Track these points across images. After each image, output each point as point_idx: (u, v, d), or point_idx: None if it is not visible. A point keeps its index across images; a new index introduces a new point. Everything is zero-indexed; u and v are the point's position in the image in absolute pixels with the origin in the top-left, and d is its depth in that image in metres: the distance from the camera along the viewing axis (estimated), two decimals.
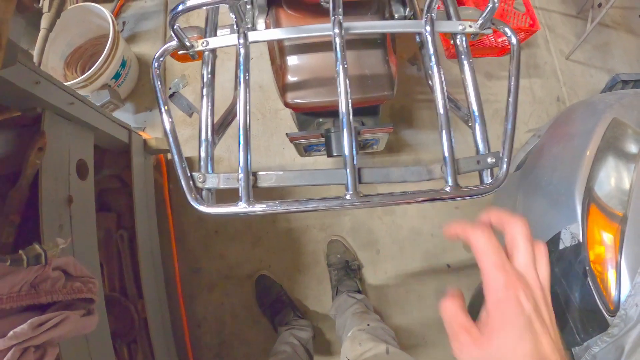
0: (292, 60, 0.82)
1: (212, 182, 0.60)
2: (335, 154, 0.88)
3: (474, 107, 0.65)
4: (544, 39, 2.05)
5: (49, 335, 0.44)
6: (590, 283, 0.89)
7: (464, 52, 0.68)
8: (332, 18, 0.63)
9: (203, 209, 0.58)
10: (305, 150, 1.06)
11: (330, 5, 0.63)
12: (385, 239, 1.60)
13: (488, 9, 0.64)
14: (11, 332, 0.41)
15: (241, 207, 0.57)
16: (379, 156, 1.66)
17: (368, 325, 1.05)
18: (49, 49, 1.34)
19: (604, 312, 0.85)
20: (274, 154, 1.63)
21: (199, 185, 0.60)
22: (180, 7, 0.57)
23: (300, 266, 1.56)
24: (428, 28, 0.66)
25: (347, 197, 0.57)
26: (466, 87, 0.67)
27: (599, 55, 2.09)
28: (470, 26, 0.68)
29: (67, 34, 1.48)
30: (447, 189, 0.59)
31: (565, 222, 0.98)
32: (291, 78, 0.82)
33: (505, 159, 0.61)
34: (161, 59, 0.66)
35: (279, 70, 0.85)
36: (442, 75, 0.64)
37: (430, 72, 0.65)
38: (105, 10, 1.38)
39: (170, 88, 1.69)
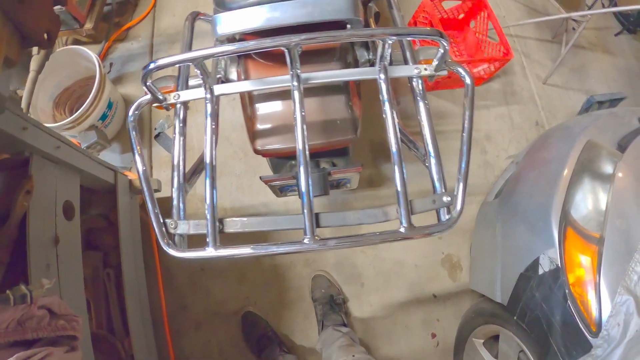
0: (260, 108, 0.89)
1: (183, 228, 0.67)
2: (315, 194, 0.92)
3: (430, 147, 0.72)
4: (520, 66, 2.17)
5: None
6: (570, 306, 0.92)
7: (420, 94, 0.75)
8: (290, 71, 0.69)
9: (174, 253, 0.64)
10: (281, 191, 1.12)
11: (288, 60, 0.69)
12: (369, 271, 1.64)
13: (439, 54, 0.70)
14: None
15: (208, 252, 0.63)
16: (360, 191, 1.71)
17: (354, 356, 1.08)
18: (38, 89, 1.40)
19: (586, 334, 0.88)
20: (256, 192, 1.68)
21: (171, 231, 0.66)
22: (151, 66, 0.65)
23: (286, 302, 1.58)
24: (382, 75, 0.72)
25: (305, 241, 0.62)
26: (422, 128, 0.73)
27: (576, 78, 2.21)
28: (425, 69, 0.75)
29: (56, 75, 1.56)
30: (402, 229, 0.64)
31: (544, 247, 1.02)
32: (259, 126, 0.89)
33: (460, 198, 0.66)
34: (136, 112, 0.74)
35: (249, 118, 0.92)
36: (395, 119, 0.70)
37: (384, 115, 0.71)
38: (92, 54, 1.47)
39: (155, 129, 1.76)
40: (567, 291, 0.94)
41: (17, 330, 0.50)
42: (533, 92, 2.11)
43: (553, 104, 2.10)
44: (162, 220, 0.66)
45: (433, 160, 0.71)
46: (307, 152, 0.66)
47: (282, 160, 1.11)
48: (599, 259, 0.91)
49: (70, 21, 1.53)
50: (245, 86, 0.76)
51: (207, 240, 0.64)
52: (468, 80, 0.74)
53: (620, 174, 0.98)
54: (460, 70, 0.75)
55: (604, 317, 0.86)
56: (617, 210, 0.94)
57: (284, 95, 0.88)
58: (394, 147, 0.68)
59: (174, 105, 0.76)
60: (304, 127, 0.66)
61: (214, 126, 0.71)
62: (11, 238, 0.79)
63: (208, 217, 0.65)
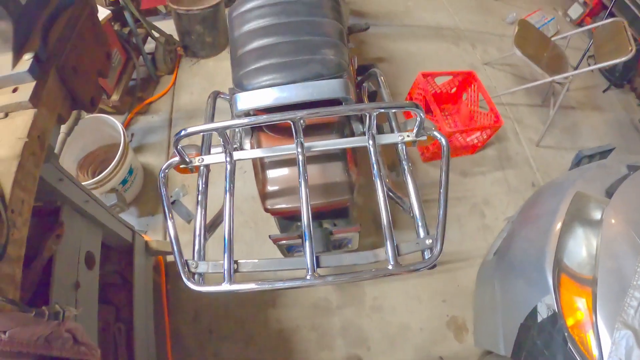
0: (269, 173, 1.03)
1: (203, 267, 0.78)
2: (317, 251, 1.02)
3: (414, 200, 0.83)
4: (514, 132, 2.34)
5: None
6: (571, 348, 0.94)
7: (404, 158, 0.88)
8: (295, 140, 0.84)
9: (194, 287, 0.75)
10: (288, 251, 1.21)
11: (294, 131, 0.83)
12: (375, 335, 1.64)
13: (417, 122, 0.84)
14: None
15: (224, 287, 0.74)
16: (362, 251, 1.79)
17: None
18: (65, 150, 1.55)
19: None
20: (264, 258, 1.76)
21: (192, 270, 0.77)
22: (183, 133, 0.80)
23: None
24: (371, 142, 0.85)
25: (307, 277, 0.73)
26: (407, 185, 0.85)
27: (568, 137, 2.36)
28: (408, 136, 0.89)
29: (82, 139, 1.73)
30: (389, 267, 0.74)
31: (540, 295, 1.06)
32: (269, 188, 1.02)
33: (439, 240, 0.76)
34: (166, 171, 0.89)
35: (260, 181, 1.05)
36: (384, 180, 0.82)
37: (373, 177, 0.83)
38: (117, 122, 1.65)
39: (171, 196, 1.89)
40: (566, 334, 0.97)
41: (44, 346, 0.56)
42: (527, 155, 2.25)
43: (547, 164, 2.22)
44: (184, 260, 0.77)
45: (417, 211, 0.81)
46: (310, 208, 0.77)
47: (289, 222, 1.21)
48: (594, 299, 0.94)
49: None
50: (259, 153, 0.92)
51: (224, 277, 0.74)
52: (443, 142, 0.86)
53: (608, 218, 1.05)
54: (436, 133, 0.88)
55: (605, 355, 0.88)
56: (607, 251, 0.99)
57: (289, 162, 1.01)
58: (381, 199, 0.79)
59: (197, 168, 0.91)
60: (307, 187, 0.78)
61: (232, 186, 0.84)
62: (35, 280, 0.87)
63: (225, 257, 0.76)
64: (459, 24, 3.01)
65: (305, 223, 0.76)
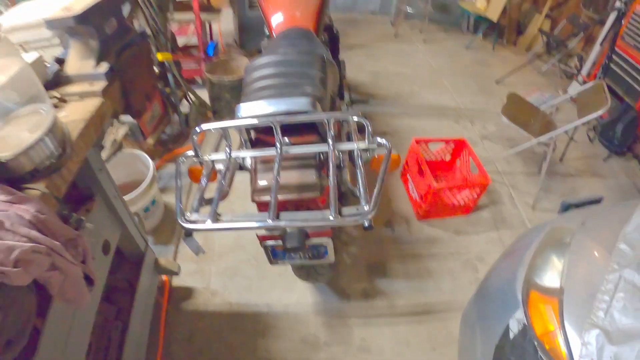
0: (259, 172, 1.24)
1: (195, 216, 0.99)
2: (288, 246, 1.19)
3: (360, 185, 1.02)
4: (509, 197, 2.47)
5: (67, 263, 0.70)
6: (541, 356, 0.98)
7: (359, 164, 1.08)
8: (276, 141, 1.07)
9: (184, 224, 0.96)
10: (273, 257, 1.37)
11: (275, 132, 1.06)
12: None
13: (367, 132, 1.06)
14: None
15: (207, 225, 0.94)
16: (354, 301, 1.87)
17: None
18: None
19: None
20: (262, 294, 1.87)
21: (187, 217, 0.98)
22: (198, 129, 1.06)
23: None
24: (331, 147, 1.07)
25: (268, 220, 0.92)
26: (357, 176, 1.05)
27: None
28: (361, 144, 1.10)
29: (117, 171, 1.90)
30: (330, 217, 0.92)
31: (511, 312, 1.12)
32: (257, 183, 1.23)
33: (372, 204, 0.94)
34: (184, 159, 1.14)
35: (252, 179, 1.26)
36: (333, 165, 1.03)
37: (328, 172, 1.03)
38: (149, 158, 1.92)
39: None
40: (535, 343, 1.01)
41: (62, 245, 0.73)
42: (523, 218, 2.34)
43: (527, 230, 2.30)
44: (181, 209, 0.97)
45: (361, 189, 1.00)
46: (279, 179, 1.00)
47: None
48: (561, 305, 1.01)
49: (138, 133, 2.09)
50: (250, 153, 1.16)
51: (209, 218, 0.94)
52: (387, 146, 1.07)
53: (577, 237, 1.14)
54: (380, 140, 1.09)
55: (576, 356, 0.92)
56: (575, 263, 1.08)
57: (272, 167, 1.21)
58: (331, 172, 1.00)
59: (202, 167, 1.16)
60: (278, 184, 1.00)
61: (228, 172, 1.10)
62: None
63: (212, 206, 0.97)
64: (460, 104, 3.35)
65: (274, 185, 0.98)
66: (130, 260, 1.58)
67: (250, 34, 3.39)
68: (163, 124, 2.31)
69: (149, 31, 1.96)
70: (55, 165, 0.76)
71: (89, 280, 0.80)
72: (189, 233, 1.01)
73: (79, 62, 0.99)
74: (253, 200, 1.23)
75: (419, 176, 2.29)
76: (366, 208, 0.94)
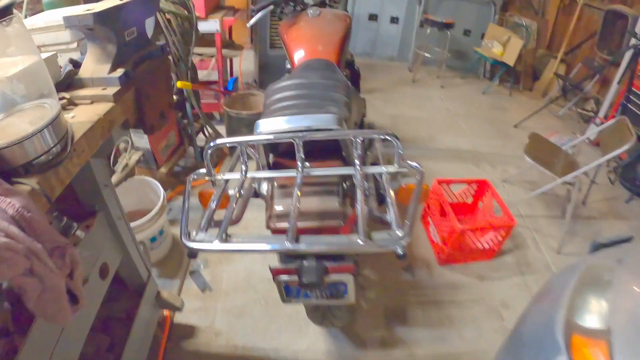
0: (277, 197, 1.16)
1: (201, 236, 0.90)
2: (304, 281, 1.07)
3: (391, 209, 0.91)
4: (532, 240, 2.35)
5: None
6: None
7: (386, 188, 0.98)
8: (297, 158, 0.99)
9: (188, 243, 0.86)
10: (287, 294, 1.23)
11: (296, 152, 0.99)
12: None
13: (396, 154, 0.97)
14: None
15: (214, 245, 0.85)
16: (372, 350, 1.71)
17: None
18: None
19: None
20: (270, 337, 1.72)
21: (193, 237, 0.89)
22: (212, 144, 1.00)
23: None
24: (358, 169, 0.99)
25: (286, 243, 0.82)
26: (387, 199, 0.94)
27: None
28: (390, 168, 1.02)
29: (127, 197, 1.87)
30: (359, 241, 0.82)
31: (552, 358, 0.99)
32: (274, 209, 1.14)
33: (408, 231, 0.83)
34: (194, 177, 1.07)
35: (268, 205, 1.17)
36: (361, 187, 0.94)
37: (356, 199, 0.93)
38: (160, 187, 1.87)
39: (192, 266, 1.99)
40: None
41: (46, 252, 0.64)
42: (548, 262, 2.22)
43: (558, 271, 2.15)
44: (186, 229, 0.89)
45: (392, 214, 0.89)
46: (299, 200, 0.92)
47: (290, 258, 1.23)
48: (611, 348, 0.89)
49: (152, 161, 2.05)
50: (267, 174, 1.09)
51: (217, 237, 0.84)
52: (420, 174, 0.98)
53: (620, 275, 1.05)
54: (414, 164, 1.00)
55: None
56: (620, 302, 0.97)
57: (291, 192, 1.13)
58: (358, 195, 0.92)
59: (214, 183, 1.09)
60: (298, 201, 0.93)
61: (241, 191, 1.03)
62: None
63: (222, 225, 0.86)
64: (479, 147, 3.30)
65: (293, 206, 0.89)
66: (131, 289, 1.46)
67: (271, 74, 3.45)
68: (178, 155, 2.29)
69: (170, 58, 1.98)
70: (52, 162, 0.69)
71: (73, 298, 0.70)
72: (193, 254, 0.91)
73: (95, 65, 0.96)
74: (268, 227, 1.13)
75: (441, 218, 2.19)
76: (399, 233, 0.84)
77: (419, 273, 2.09)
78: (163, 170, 2.14)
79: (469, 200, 2.42)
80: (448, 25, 4.07)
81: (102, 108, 0.89)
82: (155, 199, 1.93)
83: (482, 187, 2.33)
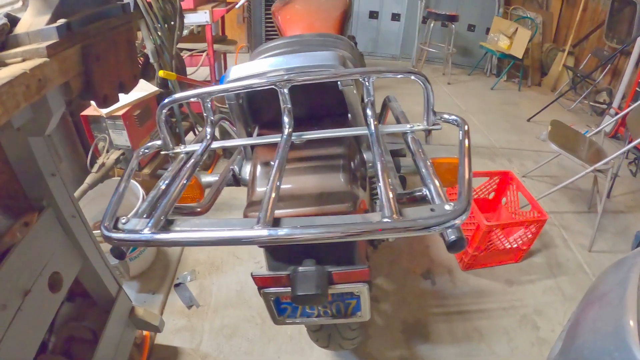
0: (259, 180, 0.89)
1: (132, 223, 0.61)
2: (299, 293, 0.78)
3: (428, 174, 0.67)
4: (561, 238, 2.14)
5: None
6: None
7: (415, 149, 0.75)
8: (283, 121, 0.75)
9: (107, 232, 0.58)
10: (278, 314, 0.96)
11: (280, 99, 0.75)
12: None
13: (426, 104, 0.75)
14: None
15: (142, 235, 0.56)
16: None
17: None
18: (84, 207, 1.53)
19: None
20: None
21: (120, 225, 0.61)
22: (166, 100, 0.77)
23: None
24: (372, 127, 0.76)
25: (256, 226, 0.54)
26: (419, 166, 0.71)
27: (622, 240, 2.16)
28: (418, 125, 0.78)
29: (104, 200, 1.68)
30: (386, 219, 0.52)
31: None
32: (257, 191, 0.87)
33: (465, 197, 0.55)
34: (146, 151, 0.85)
35: (250, 190, 0.91)
36: (380, 143, 0.70)
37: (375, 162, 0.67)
38: (140, 189, 1.65)
39: (177, 278, 1.76)
40: None
41: None
42: (580, 261, 2.02)
43: (604, 268, 1.95)
44: (115, 214, 0.62)
45: (430, 183, 0.65)
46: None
47: (280, 263, 0.93)
48: None
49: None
50: (239, 141, 0.85)
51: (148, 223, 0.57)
52: (462, 127, 0.74)
53: None
54: (455, 118, 0.77)
55: None
56: None
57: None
58: (376, 153, 0.67)
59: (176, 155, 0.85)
60: (284, 164, 0.68)
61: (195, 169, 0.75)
62: None
63: (159, 208, 0.61)
64: (494, 142, 3.14)
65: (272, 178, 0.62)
66: (100, 306, 1.22)
67: None
68: (162, 156, 2.07)
69: (151, 45, 1.78)
70: None
71: None
72: (117, 253, 0.61)
73: (33, 18, 0.75)
74: (245, 216, 0.85)
75: None
76: (449, 207, 0.54)
77: (440, 280, 1.85)
78: (146, 171, 1.92)
79: (491, 196, 2.20)
80: (452, 18, 3.90)
81: (32, 63, 0.67)
82: (135, 200, 1.71)
83: (504, 180, 2.11)
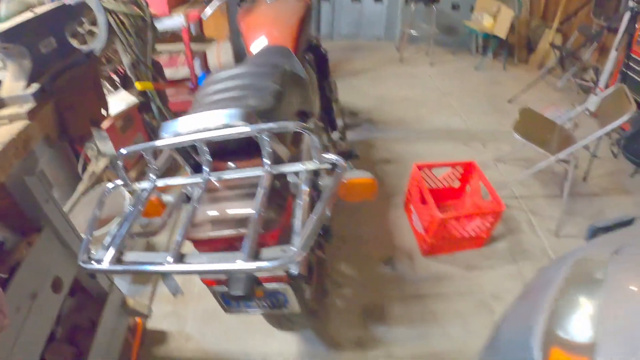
0: (200, 207, 1.02)
1: (101, 254, 0.82)
2: (231, 293, 0.96)
3: (296, 225, 0.81)
4: (528, 224, 2.28)
5: None
6: None
7: (301, 192, 0.88)
8: (204, 170, 0.93)
9: (81, 264, 0.80)
10: (226, 305, 1.20)
11: (203, 161, 0.93)
12: None
13: (313, 147, 0.89)
14: None
15: (102, 265, 0.78)
16: (346, 351, 1.68)
17: None
18: (78, 212, 1.76)
19: None
20: (240, 342, 1.71)
21: (91, 255, 0.82)
22: (120, 152, 0.95)
23: None
24: (266, 170, 0.90)
25: (165, 261, 0.76)
26: (295, 209, 0.85)
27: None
28: (310, 164, 0.91)
29: (94, 205, 1.93)
30: (240, 262, 0.71)
31: None
32: (196, 216, 1.02)
33: (303, 242, 0.73)
34: (110, 190, 1.01)
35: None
36: (265, 192, 0.86)
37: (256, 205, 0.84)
38: (126, 193, 1.89)
39: None
40: None
41: None
42: (545, 247, 2.14)
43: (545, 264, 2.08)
44: (89, 247, 0.83)
45: (297, 225, 0.81)
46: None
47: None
48: None
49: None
50: (174, 181, 1.01)
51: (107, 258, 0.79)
52: (339, 170, 0.89)
53: (611, 272, 0.89)
54: (333, 157, 0.91)
55: None
56: (610, 308, 0.84)
57: (216, 197, 1.07)
58: (258, 201, 0.84)
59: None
60: (199, 203, 0.87)
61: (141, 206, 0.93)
62: None
63: (112, 247, 0.81)
64: (470, 126, 3.25)
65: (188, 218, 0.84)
66: (96, 299, 1.50)
67: None
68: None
69: (127, 60, 1.98)
70: None
71: None
72: (91, 275, 0.87)
73: (12, 83, 0.97)
74: (187, 238, 1.05)
75: (422, 206, 2.11)
76: (294, 249, 0.73)
77: (401, 266, 2.05)
78: (132, 174, 2.16)
79: (456, 185, 2.37)
80: (434, 0, 3.98)
81: (18, 127, 0.90)
82: (124, 204, 1.95)
83: (468, 170, 2.27)
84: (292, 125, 0.87)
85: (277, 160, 0.97)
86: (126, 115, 2.05)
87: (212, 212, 1.02)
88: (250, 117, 0.93)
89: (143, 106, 2.20)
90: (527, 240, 2.19)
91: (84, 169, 1.97)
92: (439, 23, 4.27)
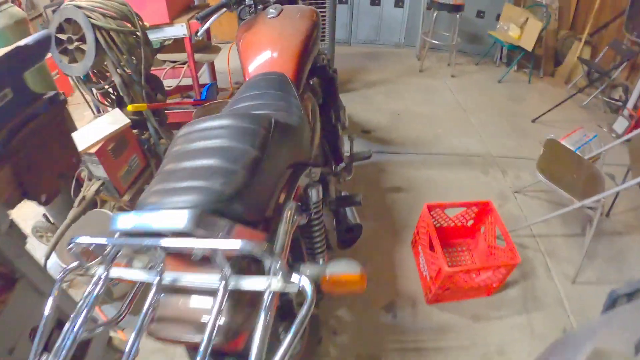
0: (162, 299, 0.97)
1: None
2: None
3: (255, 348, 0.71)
4: (544, 267, 2.15)
5: None
6: None
7: (266, 307, 0.76)
8: (156, 271, 0.83)
9: None
10: None
11: (157, 264, 0.83)
12: None
13: (270, 269, 0.79)
14: None
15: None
16: None
17: None
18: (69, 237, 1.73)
19: None
20: None
21: None
22: (72, 242, 0.86)
23: None
24: (222, 284, 0.76)
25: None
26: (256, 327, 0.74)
27: (613, 268, 2.10)
28: (276, 283, 0.78)
29: (88, 231, 1.82)
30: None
31: None
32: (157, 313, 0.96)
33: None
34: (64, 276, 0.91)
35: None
36: (219, 306, 0.74)
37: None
38: None
39: None
40: None
41: None
42: (560, 295, 2.02)
43: (585, 304, 1.96)
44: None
45: (255, 349, 0.71)
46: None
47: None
48: None
49: (113, 191, 2.00)
50: (129, 275, 0.94)
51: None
52: (308, 292, 0.77)
53: None
54: (300, 284, 0.78)
55: None
56: None
57: (179, 292, 0.95)
58: (212, 318, 0.73)
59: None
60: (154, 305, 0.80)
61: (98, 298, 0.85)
62: None
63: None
64: (490, 149, 3.11)
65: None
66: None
67: None
68: (144, 178, 2.23)
69: (118, 79, 1.90)
70: None
71: None
72: None
73: None
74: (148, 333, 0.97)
75: (430, 252, 1.94)
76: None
77: (402, 314, 1.93)
78: (126, 198, 2.10)
79: (469, 224, 2.23)
80: (457, 8, 3.84)
81: None
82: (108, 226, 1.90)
83: (484, 210, 2.13)
84: (242, 246, 0.73)
85: (240, 269, 0.87)
86: (119, 137, 1.97)
87: (172, 308, 0.93)
88: (200, 221, 0.80)
89: (138, 124, 2.12)
90: (541, 287, 2.06)
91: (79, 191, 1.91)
92: (462, 30, 4.14)
